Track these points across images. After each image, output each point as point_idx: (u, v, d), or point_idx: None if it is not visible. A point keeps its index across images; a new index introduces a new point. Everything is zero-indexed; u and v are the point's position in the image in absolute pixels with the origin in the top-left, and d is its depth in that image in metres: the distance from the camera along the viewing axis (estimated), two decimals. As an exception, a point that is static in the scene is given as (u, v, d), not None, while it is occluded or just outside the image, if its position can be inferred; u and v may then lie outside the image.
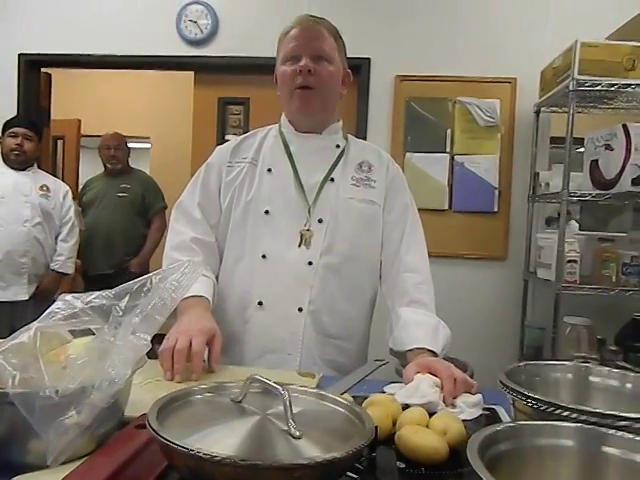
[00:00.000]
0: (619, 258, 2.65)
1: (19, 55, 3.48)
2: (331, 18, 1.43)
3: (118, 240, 3.82)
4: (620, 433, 0.69)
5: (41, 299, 3.11)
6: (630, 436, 0.69)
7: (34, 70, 3.61)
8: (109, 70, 3.94)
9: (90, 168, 5.68)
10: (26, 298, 3.10)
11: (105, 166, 4.03)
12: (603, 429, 0.70)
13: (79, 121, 5.13)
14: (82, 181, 5.17)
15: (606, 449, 0.69)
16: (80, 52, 3.44)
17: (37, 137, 3.22)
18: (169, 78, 4.91)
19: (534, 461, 0.69)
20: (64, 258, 3.29)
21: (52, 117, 4.07)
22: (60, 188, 3.32)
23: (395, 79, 3.27)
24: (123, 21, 3.42)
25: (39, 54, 3.49)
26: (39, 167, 3.35)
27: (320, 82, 1.37)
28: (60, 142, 5.09)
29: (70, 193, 3.38)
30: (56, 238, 3.28)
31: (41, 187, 3.20)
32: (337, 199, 1.41)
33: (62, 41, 3.43)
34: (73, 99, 5.38)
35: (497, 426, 0.69)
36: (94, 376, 0.71)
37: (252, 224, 1.40)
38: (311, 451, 0.63)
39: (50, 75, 3.89)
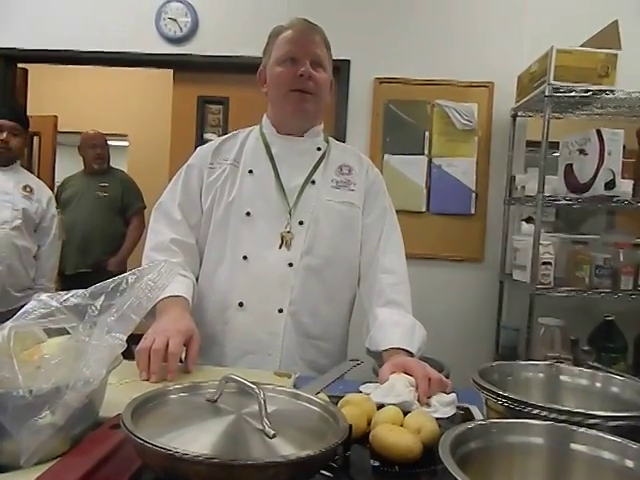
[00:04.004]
0: (592, 260, 2.70)
1: (-5, 50, 3.43)
2: (311, 19, 1.44)
3: (96, 239, 3.80)
4: (588, 430, 0.71)
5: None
6: (597, 433, 0.70)
7: (10, 65, 3.55)
8: (87, 66, 3.89)
9: (66, 165, 5.61)
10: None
11: (85, 164, 3.98)
12: (571, 427, 0.72)
13: (55, 117, 5.05)
14: (58, 177, 5.11)
15: (574, 446, 0.71)
16: (57, 48, 3.39)
17: (25, 131, 2.88)
18: (148, 76, 4.87)
19: (504, 458, 0.71)
20: (46, 280, 2.91)
21: (28, 113, 4.00)
22: (44, 192, 2.94)
23: (374, 81, 3.29)
24: (102, 17, 3.37)
25: (15, 49, 3.42)
26: (21, 164, 2.97)
27: (317, 88, 1.39)
28: (36, 139, 5.01)
29: (54, 199, 3.03)
30: (38, 249, 2.89)
31: (24, 187, 2.81)
32: (318, 201, 1.42)
33: (39, 36, 3.37)
34: (50, 95, 5.30)
35: (469, 424, 0.70)
36: (69, 376, 0.71)
37: (233, 225, 1.40)
38: (285, 449, 0.63)
39: (27, 71, 3.84)
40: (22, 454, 0.68)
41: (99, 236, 3.81)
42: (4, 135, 2.74)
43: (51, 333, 0.81)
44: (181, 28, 3.35)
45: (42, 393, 0.68)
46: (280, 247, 1.38)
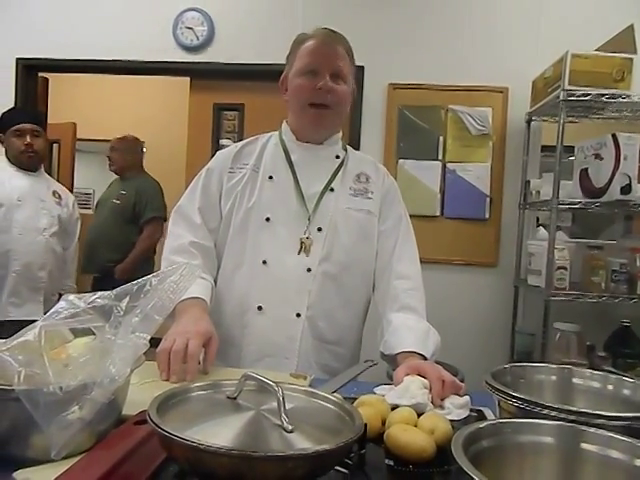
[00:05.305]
0: (608, 265, 2.68)
1: (17, 59, 3.50)
2: (325, 26, 1.45)
3: (101, 246, 3.71)
4: (598, 430, 0.72)
5: None
6: (607, 433, 0.71)
7: (32, 75, 3.62)
8: (105, 75, 3.96)
9: (84, 172, 5.70)
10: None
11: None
12: (581, 427, 0.73)
13: (75, 125, 5.14)
14: (77, 184, 5.20)
15: (584, 446, 0.72)
16: (77, 57, 3.46)
17: (44, 132, 2.83)
18: (165, 84, 4.93)
19: (515, 457, 0.72)
20: (70, 281, 2.98)
21: (49, 121, 4.08)
22: (68, 196, 2.98)
23: (388, 87, 3.31)
24: (120, 27, 3.44)
25: (37, 58, 3.50)
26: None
27: (336, 101, 1.41)
28: (56, 146, 5.10)
29: (76, 202, 3.06)
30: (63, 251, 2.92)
31: (53, 193, 2.84)
32: (336, 209, 1.44)
33: (59, 46, 3.44)
34: (69, 103, 5.39)
35: (480, 423, 0.72)
36: (95, 373, 0.74)
37: (253, 230, 1.42)
38: (303, 444, 0.65)
39: (47, 80, 3.91)
40: (52, 448, 0.71)
41: (105, 243, 3.70)
42: (27, 139, 2.71)
43: (77, 333, 0.84)
44: (197, 37, 3.40)
45: (71, 389, 0.71)
46: (299, 253, 1.40)
